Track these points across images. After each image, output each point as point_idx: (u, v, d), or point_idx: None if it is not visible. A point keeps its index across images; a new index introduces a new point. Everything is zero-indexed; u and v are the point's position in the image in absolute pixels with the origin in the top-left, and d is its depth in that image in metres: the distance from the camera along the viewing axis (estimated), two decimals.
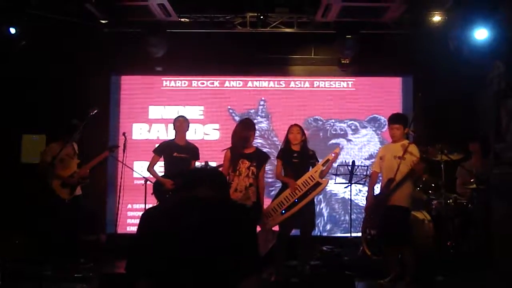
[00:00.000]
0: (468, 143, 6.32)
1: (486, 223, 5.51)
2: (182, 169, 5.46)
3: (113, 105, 7.39)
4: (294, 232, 5.24)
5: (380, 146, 5.59)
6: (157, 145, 5.94)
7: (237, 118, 5.26)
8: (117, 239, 6.27)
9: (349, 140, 7.07)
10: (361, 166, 6.39)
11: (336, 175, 6.29)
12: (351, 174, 6.38)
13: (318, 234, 5.97)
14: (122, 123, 7.26)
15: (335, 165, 5.95)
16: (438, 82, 6.90)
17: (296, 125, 5.33)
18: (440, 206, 5.84)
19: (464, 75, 6.55)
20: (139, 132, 7.28)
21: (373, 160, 6.19)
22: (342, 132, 7.26)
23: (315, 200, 5.35)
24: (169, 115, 7.04)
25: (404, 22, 6.68)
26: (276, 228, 5.21)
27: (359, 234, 6.00)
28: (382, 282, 5.09)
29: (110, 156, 6.21)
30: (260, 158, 5.12)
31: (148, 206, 5.76)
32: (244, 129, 5.08)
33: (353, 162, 6.33)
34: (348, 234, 6.36)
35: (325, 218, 6.74)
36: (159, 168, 5.81)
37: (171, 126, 6.02)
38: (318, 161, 5.24)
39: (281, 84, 7.47)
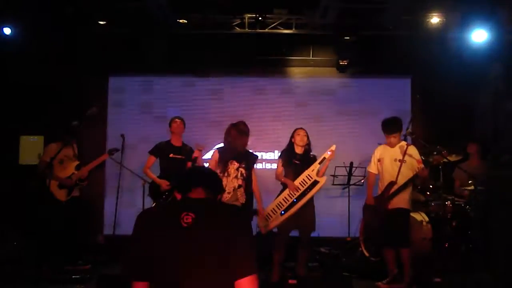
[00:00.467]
0: (466, 144, 6.33)
1: (484, 224, 5.52)
2: (178, 170, 5.46)
3: (112, 106, 7.39)
4: (293, 233, 5.24)
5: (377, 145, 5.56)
6: (153, 146, 5.93)
7: (234, 120, 5.23)
8: (115, 240, 6.25)
9: (347, 142, 7.06)
10: (359, 167, 6.39)
11: (334, 176, 6.29)
12: (349, 175, 6.39)
13: (316, 235, 5.94)
14: (120, 124, 7.25)
15: (333, 165, 5.95)
16: (436, 83, 6.92)
17: (302, 128, 5.32)
18: (438, 207, 5.84)
19: (463, 76, 6.57)
20: (137, 132, 7.26)
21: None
22: (340, 133, 7.27)
23: (314, 201, 5.34)
24: (167, 116, 7.01)
25: (403, 23, 6.68)
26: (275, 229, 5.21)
27: (357, 236, 6.01)
28: (380, 283, 5.09)
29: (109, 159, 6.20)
30: (249, 159, 5.09)
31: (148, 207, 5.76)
32: (242, 134, 5.05)
33: (351, 163, 6.33)
34: (346, 235, 6.36)
35: (323, 219, 6.72)
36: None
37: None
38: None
39: (280, 85, 7.47)
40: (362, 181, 6.29)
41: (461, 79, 6.60)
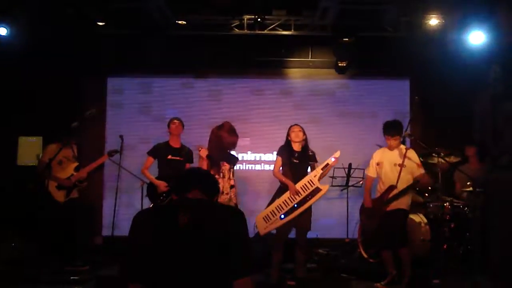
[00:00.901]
0: (464, 147, 6.33)
1: (482, 226, 5.52)
2: (177, 171, 5.46)
3: (110, 107, 7.38)
4: (291, 234, 5.24)
5: (376, 148, 5.56)
6: (151, 147, 5.92)
7: (234, 121, 5.24)
8: (114, 241, 6.24)
9: (345, 143, 7.07)
10: (358, 168, 6.39)
11: (332, 177, 6.29)
12: (347, 176, 6.38)
13: (315, 236, 5.94)
14: (119, 125, 7.24)
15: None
16: (435, 85, 6.93)
17: (297, 124, 5.32)
18: (437, 209, 5.85)
19: (461, 78, 6.58)
20: (136, 133, 7.25)
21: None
22: (338, 135, 7.28)
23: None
24: (166, 117, 7.01)
25: (401, 25, 6.69)
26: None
27: (356, 237, 6.01)
28: (379, 285, 5.10)
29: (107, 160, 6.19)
30: (234, 161, 5.22)
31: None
32: (232, 134, 5.08)
33: (350, 164, 6.33)
34: (345, 237, 6.36)
35: (322, 220, 6.72)
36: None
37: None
38: (317, 162, 5.24)
39: (278, 86, 7.47)
40: (361, 182, 6.29)
41: (459, 80, 6.62)
